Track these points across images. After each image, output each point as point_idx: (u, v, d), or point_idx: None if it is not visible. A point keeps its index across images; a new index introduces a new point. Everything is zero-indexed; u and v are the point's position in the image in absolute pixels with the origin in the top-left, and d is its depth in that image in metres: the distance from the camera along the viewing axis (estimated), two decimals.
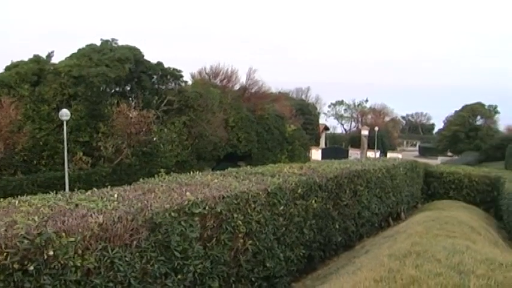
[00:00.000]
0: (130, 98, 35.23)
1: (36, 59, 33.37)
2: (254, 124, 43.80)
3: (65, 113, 24.93)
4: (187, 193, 6.86)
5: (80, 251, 4.84)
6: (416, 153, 79.89)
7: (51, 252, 4.57)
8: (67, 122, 25.60)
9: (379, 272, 5.73)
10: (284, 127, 47.97)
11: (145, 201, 6.17)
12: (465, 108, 69.94)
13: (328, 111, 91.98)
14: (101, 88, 33.54)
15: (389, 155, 57.00)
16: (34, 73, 32.04)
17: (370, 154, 50.84)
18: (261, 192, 8.26)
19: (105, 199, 6.21)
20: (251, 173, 9.89)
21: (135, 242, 5.50)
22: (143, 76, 36.15)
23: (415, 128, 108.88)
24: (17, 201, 5.80)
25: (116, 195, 6.46)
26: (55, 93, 31.87)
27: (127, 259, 5.34)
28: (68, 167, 25.91)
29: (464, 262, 5.97)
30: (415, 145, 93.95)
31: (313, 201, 10.07)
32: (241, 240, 7.61)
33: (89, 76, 32.04)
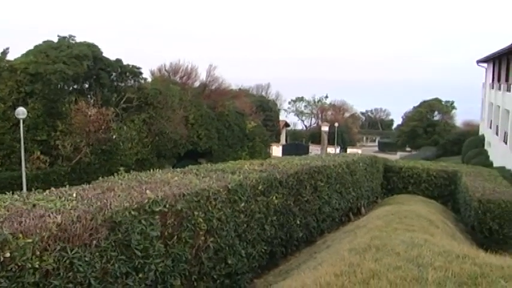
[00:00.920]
0: (88, 96, 34.63)
1: None
2: (214, 121, 43.75)
3: (21, 111, 24.38)
4: (147, 191, 6.81)
5: (38, 252, 4.75)
6: (376, 148, 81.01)
7: (7, 254, 4.47)
8: (24, 120, 25.04)
9: (340, 266, 5.81)
10: (244, 124, 48.06)
11: (105, 200, 6.08)
12: (423, 104, 71.14)
13: (288, 108, 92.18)
14: (59, 85, 32.94)
15: (349, 150, 57.90)
16: None
17: (331, 150, 51.31)
18: (221, 189, 8.26)
19: (63, 199, 6.10)
20: (211, 170, 9.88)
21: (94, 242, 5.43)
22: (102, 73, 35.63)
23: (375, 124, 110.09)
24: None
25: (74, 195, 6.35)
26: (11, 91, 31.14)
27: (87, 259, 5.27)
28: (25, 167, 25.32)
29: (422, 255, 6.09)
30: (374, 140, 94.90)
31: (274, 198, 10.12)
32: (203, 238, 7.60)
33: (46, 73, 31.42)
